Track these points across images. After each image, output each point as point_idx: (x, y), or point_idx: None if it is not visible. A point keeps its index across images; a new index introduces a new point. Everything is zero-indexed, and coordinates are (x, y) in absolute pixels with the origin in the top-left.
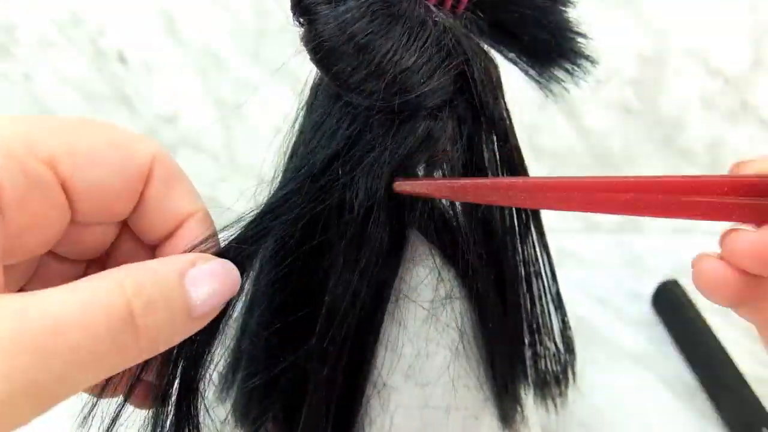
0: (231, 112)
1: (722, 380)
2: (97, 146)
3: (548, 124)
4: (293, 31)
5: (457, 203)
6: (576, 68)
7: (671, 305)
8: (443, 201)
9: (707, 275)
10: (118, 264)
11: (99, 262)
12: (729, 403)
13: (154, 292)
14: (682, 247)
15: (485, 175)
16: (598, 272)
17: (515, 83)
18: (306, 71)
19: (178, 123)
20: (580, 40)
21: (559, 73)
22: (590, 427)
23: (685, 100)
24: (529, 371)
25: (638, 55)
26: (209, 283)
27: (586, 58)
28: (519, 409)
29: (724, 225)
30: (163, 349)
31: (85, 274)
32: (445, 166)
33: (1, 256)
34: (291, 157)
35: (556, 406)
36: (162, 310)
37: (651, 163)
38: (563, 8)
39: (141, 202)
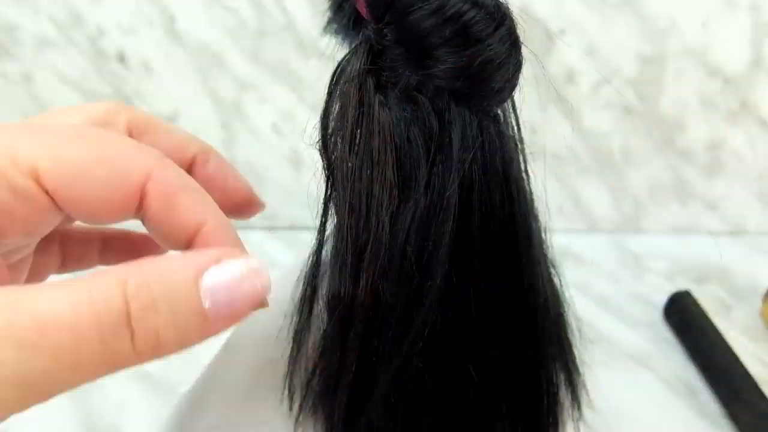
0: (231, 112)
1: (741, 395)
2: (84, 161)
3: (548, 124)
4: (293, 31)
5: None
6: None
7: (683, 317)
8: None
9: None
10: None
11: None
12: (747, 417)
13: (158, 292)
14: (682, 247)
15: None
16: (598, 272)
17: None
18: (305, 71)
19: (178, 123)
20: None
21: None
22: (589, 427)
23: (684, 100)
24: None
25: (638, 55)
26: (231, 285)
27: None
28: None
29: (726, 227)
30: (172, 351)
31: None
32: None
33: None
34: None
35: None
36: (164, 313)
37: (651, 164)
38: None
39: (144, 216)
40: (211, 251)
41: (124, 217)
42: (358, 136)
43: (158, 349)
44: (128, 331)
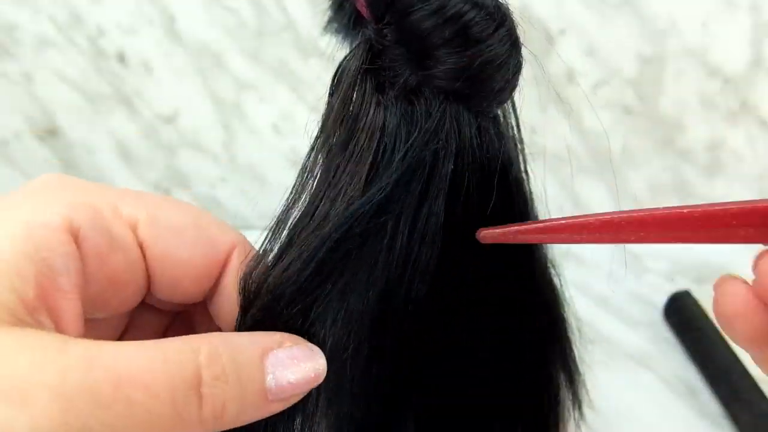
0: (231, 112)
1: (741, 395)
2: (179, 221)
3: (548, 124)
4: (293, 31)
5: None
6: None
7: (683, 317)
8: None
9: (729, 303)
10: (204, 320)
11: (187, 314)
12: (747, 417)
13: (229, 365)
14: (682, 248)
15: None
16: (598, 272)
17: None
18: (305, 71)
19: (178, 123)
20: None
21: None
22: (589, 427)
23: (684, 100)
24: None
25: (638, 55)
26: (292, 367)
27: None
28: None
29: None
30: (230, 425)
31: (171, 325)
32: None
33: (80, 298)
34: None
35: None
36: (233, 385)
37: (651, 164)
38: None
39: (217, 290)
40: (275, 334)
41: (203, 289)
42: (351, 137)
43: (220, 420)
44: (197, 397)
